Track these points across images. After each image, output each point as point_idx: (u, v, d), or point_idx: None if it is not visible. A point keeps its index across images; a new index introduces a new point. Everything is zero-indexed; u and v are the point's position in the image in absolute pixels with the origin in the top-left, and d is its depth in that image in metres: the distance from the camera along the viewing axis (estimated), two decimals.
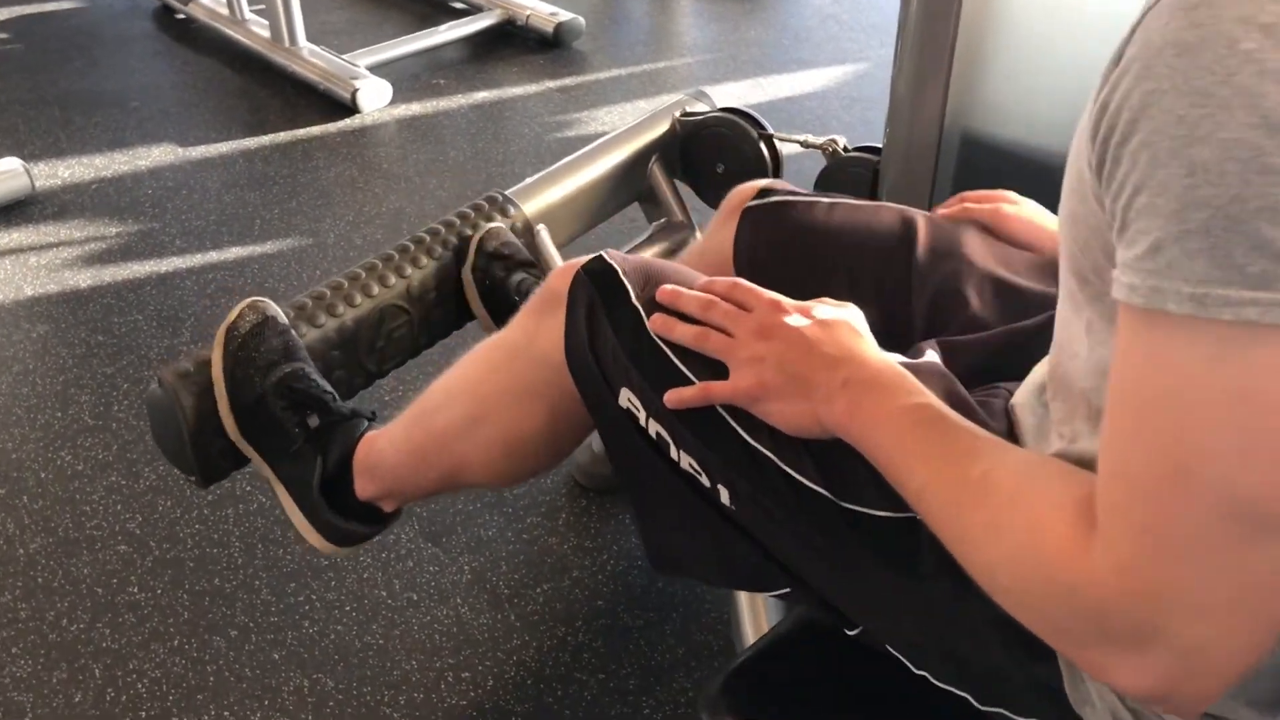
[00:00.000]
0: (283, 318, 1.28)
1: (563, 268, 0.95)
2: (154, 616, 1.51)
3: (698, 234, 1.83)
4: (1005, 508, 0.61)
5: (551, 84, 2.98)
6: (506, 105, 2.88)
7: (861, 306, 0.88)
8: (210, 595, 1.54)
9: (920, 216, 1.11)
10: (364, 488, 1.19)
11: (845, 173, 1.68)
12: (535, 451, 1.04)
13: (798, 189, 1.20)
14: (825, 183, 1.74)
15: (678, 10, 3.58)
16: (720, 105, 1.87)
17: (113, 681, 1.42)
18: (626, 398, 0.87)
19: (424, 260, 1.47)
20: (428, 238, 1.49)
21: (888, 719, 0.86)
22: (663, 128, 1.81)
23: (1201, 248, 0.48)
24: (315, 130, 2.73)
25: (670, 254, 1.77)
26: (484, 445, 1.04)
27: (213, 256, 2.25)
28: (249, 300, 1.26)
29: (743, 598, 1.35)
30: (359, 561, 1.59)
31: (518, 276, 1.45)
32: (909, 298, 1.06)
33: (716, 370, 0.83)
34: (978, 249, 1.07)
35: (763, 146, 1.77)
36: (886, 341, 0.86)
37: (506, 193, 1.61)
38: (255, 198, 2.45)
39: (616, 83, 3.00)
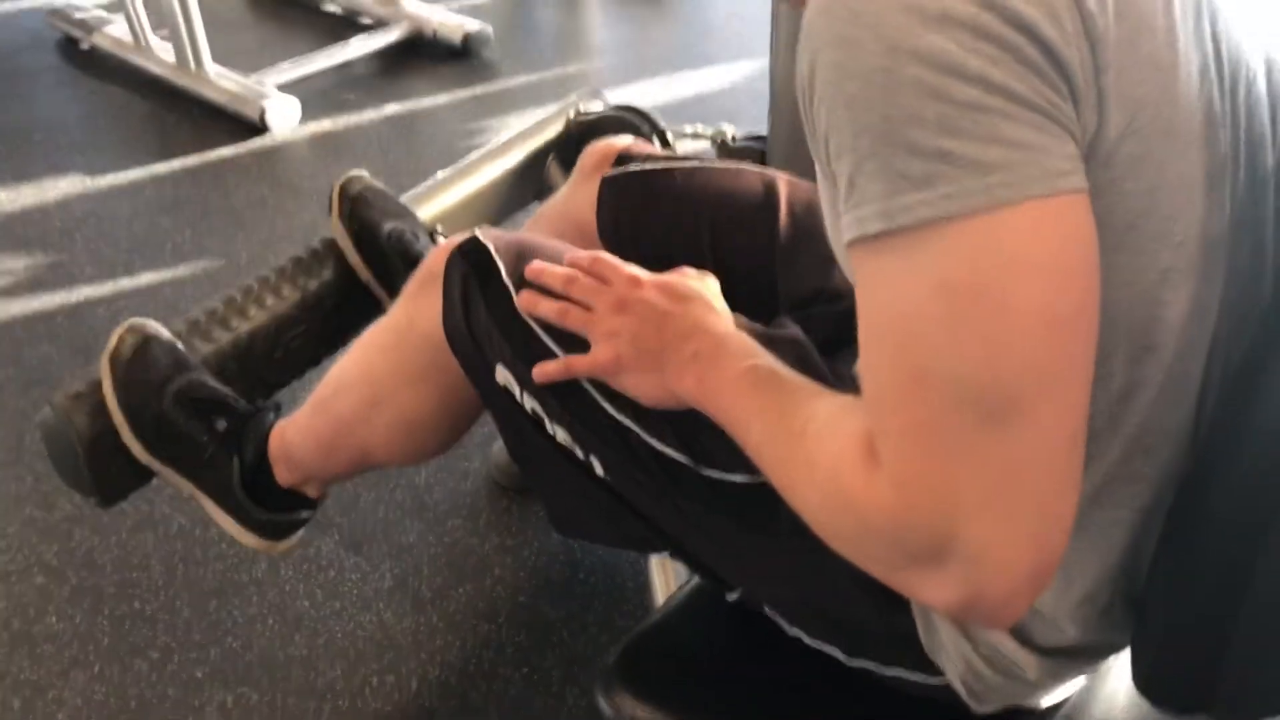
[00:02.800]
0: (165, 334, 1.28)
1: (440, 247, 0.98)
2: (73, 644, 1.50)
3: None
4: (814, 450, 0.65)
5: (462, 93, 3.00)
6: (418, 117, 2.89)
7: (725, 275, 0.91)
8: (131, 619, 1.54)
9: (781, 180, 1.13)
10: (284, 476, 1.20)
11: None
12: (435, 429, 1.07)
13: (656, 152, 1.22)
14: None
15: (585, 14, 3.61)
16: (615, 104, 1.90)
17: (33, 712, 1.41)
18: (502, 374, 0.89)
19: (319, 270, 1.48)
20: (322, 248, 1.50)
21: (770, 681, 0.89)
22: (557, 128, 1.84)
23: (875, 169, 0.53)
24: (225, 152, 2.72)
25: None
26: (383, 429, 1.07)
27: (125, 283, 2.24)
28: (126, 324, 1.26)
29: (654, 571, 1.38)
30: (280, 575, 1.59)
31: (389, 225, 1.45)
32: (772, 265, 1.09)
33: (582, 345, 0.86)
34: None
35: (655, 140, 1.81)
36: (753, 310, 0.89)
37: (403, 196, 1.63)
38: (166, 222, 2.44)
39: (527, 89, 3.02)
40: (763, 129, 1.81)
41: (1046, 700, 0.81)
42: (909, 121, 0.51)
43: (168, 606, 1.55)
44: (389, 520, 1.68)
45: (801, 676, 0.87)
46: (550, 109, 2.82)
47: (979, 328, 0.52)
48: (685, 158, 1.18)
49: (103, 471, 1.25)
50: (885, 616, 0.79)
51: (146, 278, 2.26)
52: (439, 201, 1.66)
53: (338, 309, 1.50)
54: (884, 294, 0.56)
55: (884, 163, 0.52)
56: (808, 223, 1.09)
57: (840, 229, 0.57)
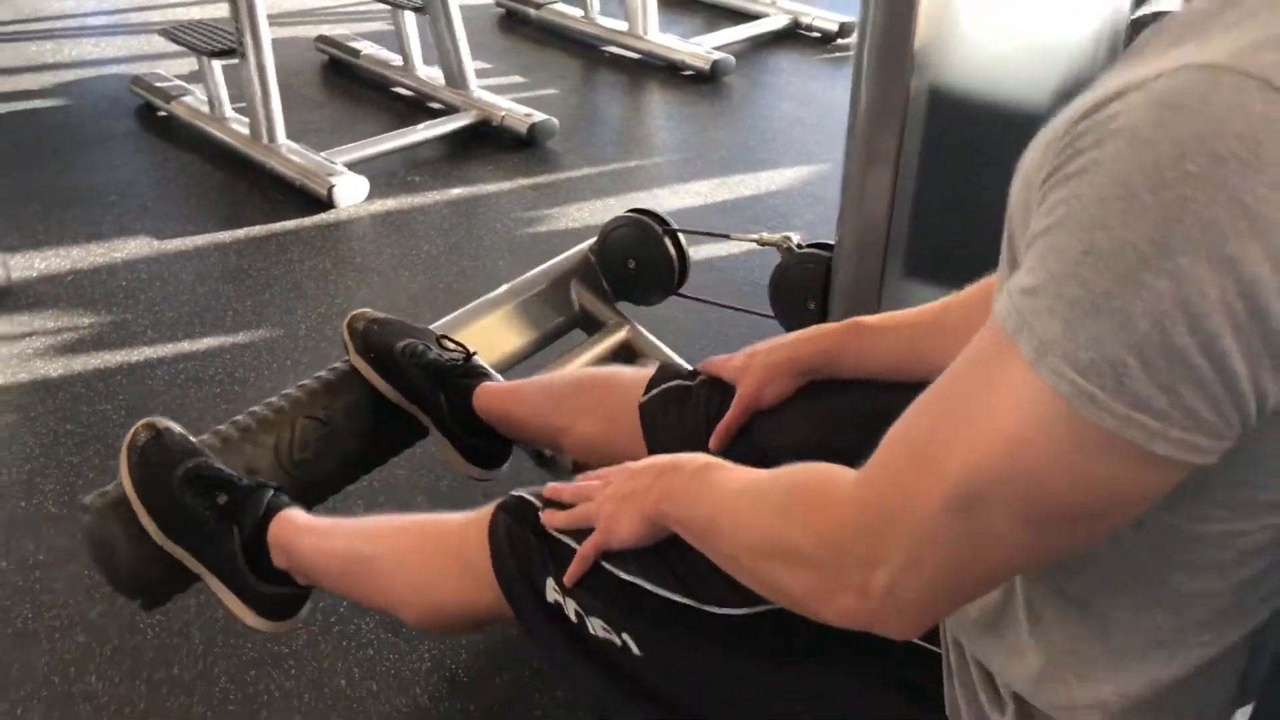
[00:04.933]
0: (177, 428, 1.36)
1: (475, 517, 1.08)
2: (110, 706, 1.50)
3: (637, 326, 1.88)
4: (766, 490, 0.75)
5: (524, 181, 3.06)
6: (480, 202, 2.95)
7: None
8: (168, 684, 1.53)
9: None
10: (280, 562, 1.26)
11: (799, 269, 1.74)
12: (465, 625, 1.24)
13: (677, 370, 1.30)
14: (780, 279, 1.79)
15: (649, 112, 3.70)
16: (631, 208, 1.96)
17: None
18: (551, 589, 0.98)
19: (341, 388, 1.54)
20: (342, 365, 1.57)
21: None
22: (578, 258, 1.93)
23: (1064, 317, 0.53)
24: (291, 224, 2.78)
25: (615, 350, 1.84)
26: (419, 608, 1.15)
27: (184, 347, 2.28)
28: (142, 421, 1.35)
29: None
30: (319, 650, 1.59)
31: (402, 343, 1.53)
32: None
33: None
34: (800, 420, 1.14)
35: (667, 241, 1.86)
36: None
37: (440, 321, 1.68)
38: (229, 290, 2.49)
39: (587, 180, 3.08)
40: (819, 235, 1.83)
41: None
42: (1115, 317, 0.51)
43: (205, 675, 1.55)
44: None
45: None
46: (610, 202, 2.89)
47: (1018, 480, 0.57)
48: (695, 373, 1.25)
49: (142, 569, 1.30)
50: (913, 714, 0.80)
51: (206, 342, 2.30)
52: (473, 327, 1.70)
53: (368, 421, 1.55)
54: (979, 388, 0.59)
55: (1072, 324, 0.53)
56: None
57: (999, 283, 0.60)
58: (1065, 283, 0.53)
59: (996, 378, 0.57)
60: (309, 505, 1.39)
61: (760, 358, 1.15)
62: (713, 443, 1.15)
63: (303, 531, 1.24)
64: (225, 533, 1.25)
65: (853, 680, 0.82)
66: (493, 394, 1.48)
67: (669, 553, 0.91)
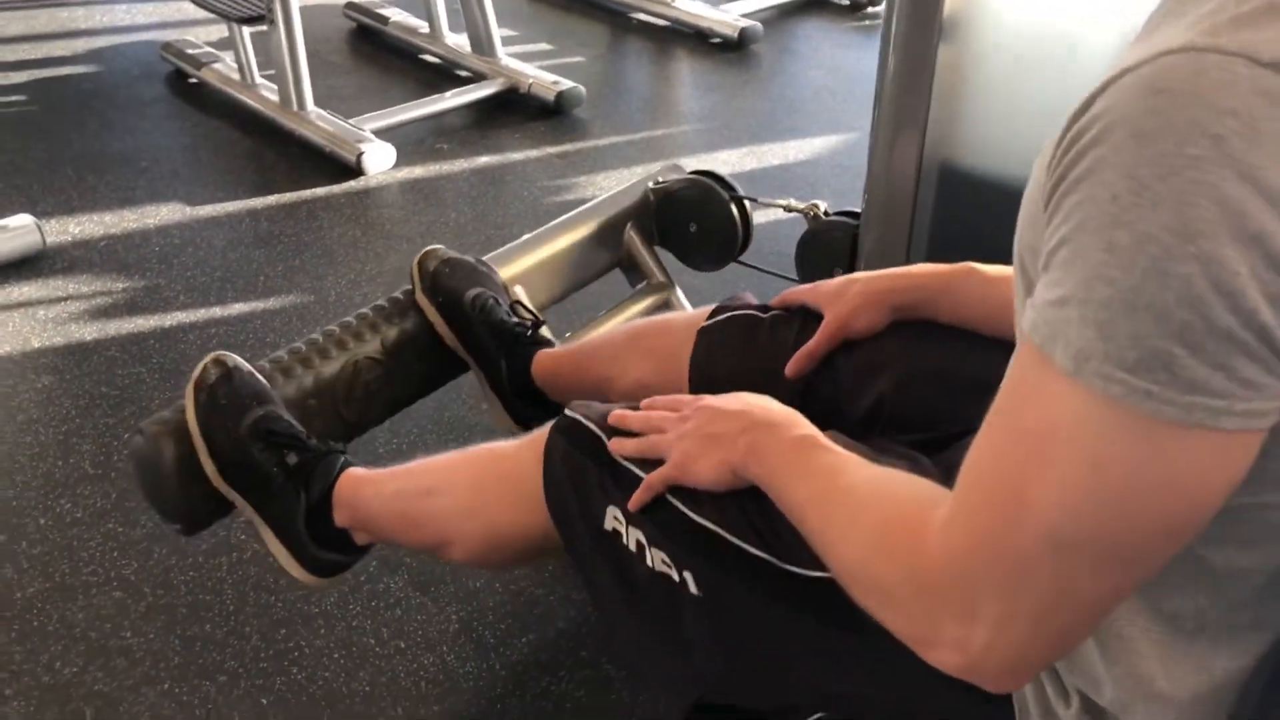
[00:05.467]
0: (246, 367, 1.34)
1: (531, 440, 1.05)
2: (146, 661, 1.53)
3: (678, 292, 1.88)
4: (866, 500, 0.72)
5: (552, 149, 3.06)
6: (507, 169, 2.96)
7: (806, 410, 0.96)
8: (201, 641, 1.57)
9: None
10: (342, 519, 1.25)
11: (826, 235, 1.74)
12: (517, 554, 1.14)
13: (749, 305, 1.25)
14: (806, 246, 1.80)
15: (676, 80, 3.68)
16: (694, 169, 1.94)
17: None
18: (611, 516, 0.94)
19: (401, 319, 1.53)
20: (404, 298, 1.55)
21: None
22: (635, 197, 1.89)
23: (1096, 319, 0.53)
24: (320, 191, 2.80)
25: (653, 312, 1.82)
26: (472, 537, 1.12)
27: (216, 312, 2.31)
28: (212, 355, 1.34)
29: None
30: (348, 609, 1.62)
31: (472, 292, 1.51)
32: (852, 403, 1.10)
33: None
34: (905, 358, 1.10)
35: (733, 207, 1.84)
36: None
37: (484, 257, 1.68)
38: (260, 255, 2.52)
39: (615, 149, 3.08)
40: (847, 203, 1.83)
41: None
42: (1151, 310, 0.51)
43: (237, 632, 1.58)
44: (457, 565, 1.70)
45: None
46: (637, 170, 2.89)
47: (1107, 503, 0.56)
48: (767, 307, 1.21)
49: (188, 499, 1.30)
50: (977, 708, 0.78)
51: (237, 308, 2.32)
52: (520, 263, 1.70)
53: (419, 359, 1.55)
54: (1035, 413, 0.57)
55: (1107, 324, 0.52)
56: (871, 351, 1.11)
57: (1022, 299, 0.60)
58: (1093, 286, 0.53)
59: (1043, 400, 0.56)
60: (352, 435, 1.39)
61: (859, 285, 1.10)
62: (792, 366, 1.11)
63: (363, 482, 1.23)
64: (291, 494, 1.24)
65: (915, 661, 0.80)
66: (549, 359, 1.47)
67: (746, 500, 0.88)
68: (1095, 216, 0.52)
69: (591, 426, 0.99)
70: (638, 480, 0.93)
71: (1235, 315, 0.50)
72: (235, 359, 1.34)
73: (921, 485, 0.70)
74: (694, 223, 1.88)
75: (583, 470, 0.97)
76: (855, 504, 0.74)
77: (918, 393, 1.05)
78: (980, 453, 0.62)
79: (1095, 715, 0.75)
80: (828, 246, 1.74)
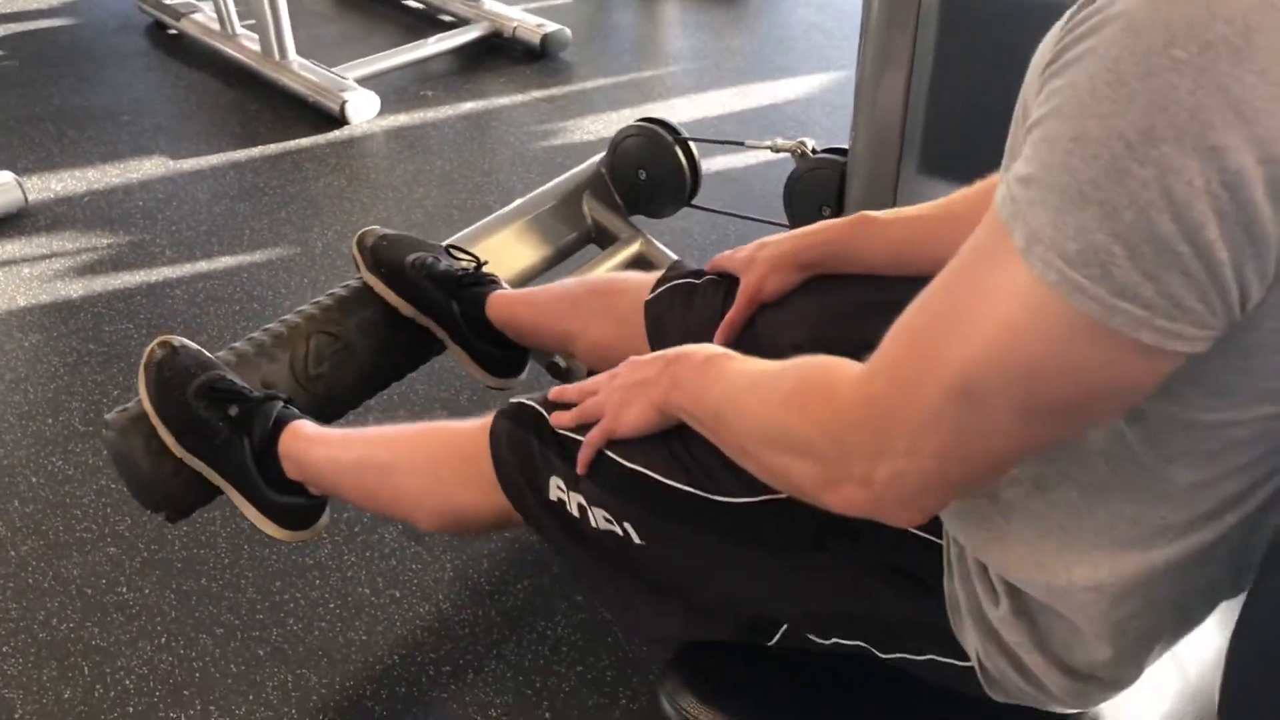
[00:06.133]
0: (193, 345, 1.38)
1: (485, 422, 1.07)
2: (141, 615, 1.54)
3: (654, 243, 1.87)
4: (776, 382, 0.76)
5: (538, 94, 3.02)
6: (493, 115, 2.92)
7: None
8: (197, 595, 1.57)
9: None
10: (292, 471, 1.27)
11: (813, 175, 1.72)
12: (478, 527, 1.20)
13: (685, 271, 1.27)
14: (794, 186, 1.78)
15: (663, 21, 3.63)
16: (641, 116, 1.93)
17: (101, 678, 1.45)
18: (554, 489, 0.98)
19: (353, 300, 1.54)
20: (353, 282, 1.58)
21: (829, 680, 0.90)
22: (589, 172, 1.90)
23: (1051, 204, 0.53)
24: (305, 142, 2.77)
25: (627, 266, 1.82)
26: (433, 514, 1.15)
27: (202, 266, 2.29)
28: (158, 339, 1.37)
29: None
30: (343, 560, 1.62)
31: (411, 256, 1.53)
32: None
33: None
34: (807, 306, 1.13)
35: (678, 150, 1.83)
36: None
37: (453, 237, 1.68)
38: (245, 208, 2.49)
39: (602, 92, 3.04)
40: (839, 143, 1.81)
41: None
42: (1101, 207, 0.51)
43: (232, 585, 1.59)
44: None
45: (852, 676, 0.91)
46: (625, 113, 2.86)
47: (1013, 371, 0.57)
48: (701, 273, 1.24)
49: (163, 480, 1.32)
50: (911, 603, 0.82)
51: (224, 261, 2.31)
52: (484, 243, 1.69)
53: (380, 333, 1.55)
54: (977, 279, 0.59)
55: (1060, 212, 0.53)
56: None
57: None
58: (1055, 172, 0.53)
59: (993, 267, 0.57)
60: (327, 421, 1.41)
61: (766, 250, 1.14)
62: (718, 337, 1.14)
63: (314, 443, 1.26)
64: (237, 444, 1.27)
65: (853, 571, 0.83)
66: (505, 301, 1.48)
67: (673, 442, 0.92)
68: (1072, 103, 0.52)
69: (533, 405, 1.03)
70: (576, 445, 0.96)
71: (1178, 225, 0.49)
72: (180, 339, 1.38)
73: (832, 358, 0.73)
74: (643, 170, 1.88)
75: (526, 447, 1.00)
76: (767, 385, 0.77)
77: (835, 334, 1.07)
78: (911, 312, 0.64)
79: (1023, 615, 0.77)
80: (815, 185, 1.72)
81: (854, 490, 0.68)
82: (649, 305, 1.25)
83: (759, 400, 0.78)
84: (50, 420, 1.88)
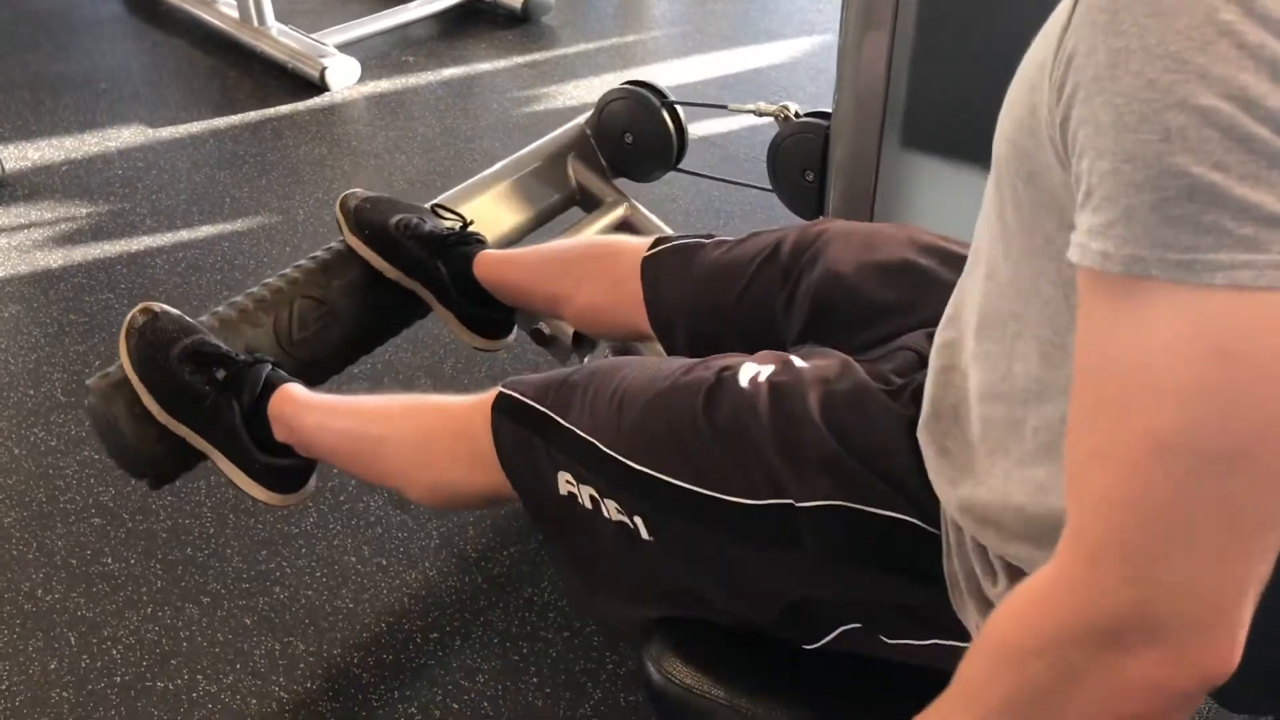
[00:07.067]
0: (173, 310, 1.36)
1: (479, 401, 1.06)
2: (127, 585, 1.54)
3: (640, 208, 1.85)
4: (985, 642, 0.63)
5: (520, 59, 3.00)
6: (475, 81, 2.89)
7: (749, 343, 1.01)
8: (183, 564, 1.57)
9: (791, 230, 1.16)
10: (281, 435, 1.27)
11: (796, 139, 1.71)
12: (469, 503, 1.22)
13: (684, 237, 1.26)
14: (778, 150, 1.77)
15: None
16: (627, 80, 1.91)
17: (88, 649, 1.45)
18: (564, 481, 0.97)
19: (335, 263, 1.53)
20: (336, 244, 1.56)
21: (815, 650, 0.90)
22: (574, 133, 1.88)
23: (1184, 214, 0.49)
24: (285, 109, 2.74)
25: (612, 230, 1.80)
26: (425, 488, 1.15)
27: (183, 235, 2.27)
28: (139, 305, 1.35)
29: None
30: (329, 529, 1.62)
31: (395, 218, 1.51)
32: (786, 316, 1.12)
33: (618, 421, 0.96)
34: (840, 242, 1.11)
35: (665, 114, 1.81)
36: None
37: (438, 198, 1.66)
38: (225, 176, 2.47)
39: (584, 57, 3.02)
40: (822, 106, 1.80)
41: None
42: (1246, 181, 0.47)
43: (218, 554, 1.59)
44: None
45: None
46: (608, 79, 2.84)
47: (1254, 399, 0.50)
48: (708, 236, 1.23)
49: (145, 447, 1.31)
50: (915, 590, 0.82)
51: (204, 230, 2.29)
52: (468, 205, 1.67)
53: (363, 296, 1.53)
54: (1141, 345, 0.51)
55: (1202, 212, 0.48)
56: (808, 267, 1.12)
57: (1036, 226, 0.58)
58: (1163, 183, 0.49)
59: (1146, 329, 0.51)
60: (311, 385, 1.40)
61: None
62: None
63: (305, 408, 1.25)
64: (225, 407, 1.26)
65: (851, 561, 0.82)
66: (493, 260, 1.47)
67: (689, 440, 0.90)
68: (1135, 111, 0.49)
69: (532, 404, 1.01)
70: (583, 443, 0.95)
71: (1267, 127, 0.47)
72: (161, 305, 1.37)
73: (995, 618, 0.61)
74: (629, 133, 1.86)
75: (530, 446, 1.00)
76: (970, 687, 0.63)
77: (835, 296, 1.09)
78: (1085, 429, 0.55)
79: None
80: (799, 150, 1.72)
81: (1143, 671, 0.54)
82: (646, 264, 1.22)
83: (973, 717, 0.63)
84: (31, 391, 1.87)
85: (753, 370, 0.91)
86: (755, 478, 0.85)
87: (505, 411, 1.03)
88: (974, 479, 0.75)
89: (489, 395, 1.05)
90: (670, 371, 0.95)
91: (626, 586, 0.98)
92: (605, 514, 0.95)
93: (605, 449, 0.93)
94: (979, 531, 0.76)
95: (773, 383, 0.89)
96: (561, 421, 0.98)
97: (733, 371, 0.91)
